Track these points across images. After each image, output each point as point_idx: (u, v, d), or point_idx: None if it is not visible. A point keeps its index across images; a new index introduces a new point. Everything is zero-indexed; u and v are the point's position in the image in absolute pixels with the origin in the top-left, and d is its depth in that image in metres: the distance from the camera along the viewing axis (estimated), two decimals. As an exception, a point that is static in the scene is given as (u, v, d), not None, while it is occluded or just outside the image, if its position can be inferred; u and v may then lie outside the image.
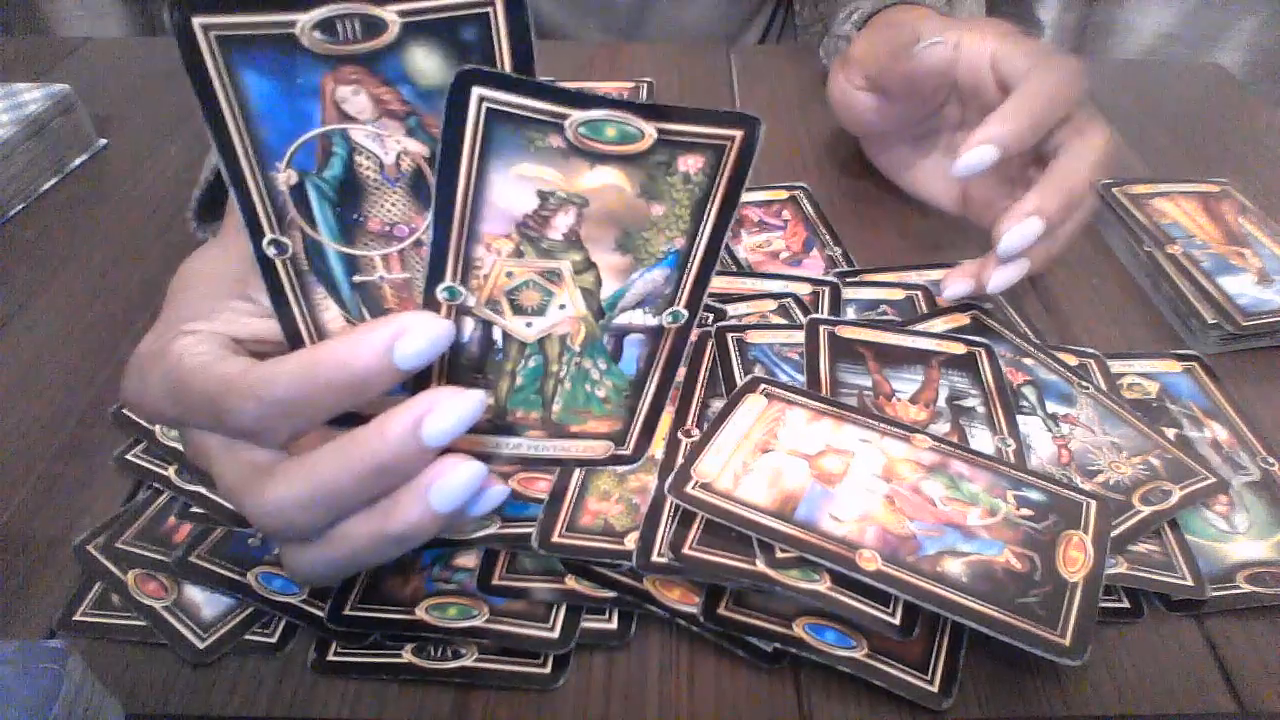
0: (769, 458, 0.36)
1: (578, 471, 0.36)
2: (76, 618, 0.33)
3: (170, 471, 0.38)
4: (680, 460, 0.36)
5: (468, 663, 0.32)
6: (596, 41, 0.83)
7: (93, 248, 0.53)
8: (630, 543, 0.34)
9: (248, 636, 0.33)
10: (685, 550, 0.33)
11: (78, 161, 0.61)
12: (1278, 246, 0.51)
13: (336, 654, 0.32)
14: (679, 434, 0.38)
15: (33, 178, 0.58)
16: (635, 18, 0.85)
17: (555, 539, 0.34)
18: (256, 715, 0.31)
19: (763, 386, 0.39)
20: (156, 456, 0.38)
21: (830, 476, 0.35)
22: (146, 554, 0.35)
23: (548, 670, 0.32)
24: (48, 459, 0.40)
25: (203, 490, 0.37)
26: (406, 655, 0.32)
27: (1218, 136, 0.66)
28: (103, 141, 0.63)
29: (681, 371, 0.41)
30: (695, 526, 0.34)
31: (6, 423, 0.42)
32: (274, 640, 0.33)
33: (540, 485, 0.36)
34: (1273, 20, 1.04)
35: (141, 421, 0.40)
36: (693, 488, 0.34)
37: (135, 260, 0.52)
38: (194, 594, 0.34)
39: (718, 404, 0.39)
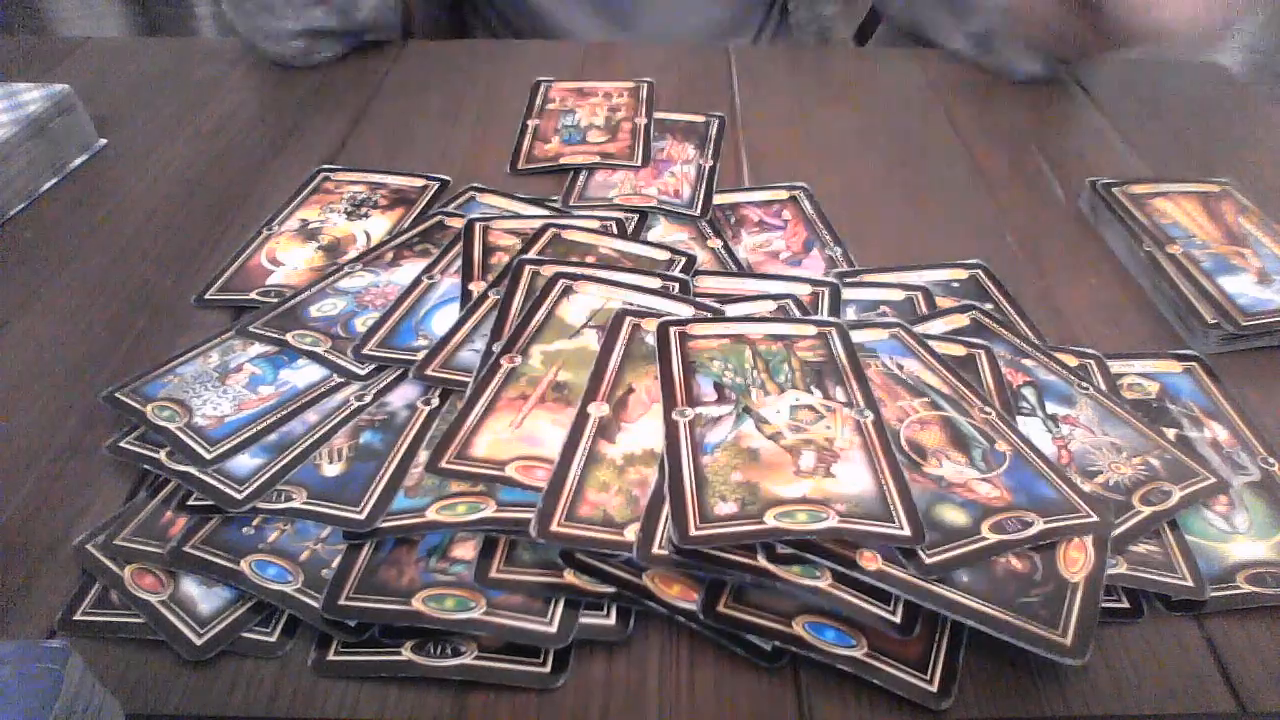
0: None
1: (577, 462, 0.36)
2: (76, 617, 0.33)
3: (162, 454, 0.38)
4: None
5: (467, 660, 0.32)
6: (592, 39, 0.83)
7: (93, 248, 0.53)
8: (630, 534, 0.33)
9: (246, 634, 0.33)
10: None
11: (78, 161, 0.61)
12: (1278, 246, 0.51)
13: (336, 653, 0.32)
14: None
15: (33, 178, 0.58)
16: (627, 6, 0.84)
17: (554, 528, 0.33)
18: (256, 715, 0.31)
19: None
20: (150, 442, 0.38)
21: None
22: (144, 549, 0.35)
23: (547, 670, 0.32)
24: (48, 459, 0.40)
25: (193, 471, 0.37)
26: (406, 653, 0.32)
27: (1218, 136, 0.66)
28: (103, 141, 0.63)
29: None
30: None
31: (6, 422, 0.42)
32: (273, 639, 0.33)
33: (539, 474, 0.36)
34: (1273, 20, 1.04)
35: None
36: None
37: (135, 260, 0.52)
38: (191, 589, 0.34)
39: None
